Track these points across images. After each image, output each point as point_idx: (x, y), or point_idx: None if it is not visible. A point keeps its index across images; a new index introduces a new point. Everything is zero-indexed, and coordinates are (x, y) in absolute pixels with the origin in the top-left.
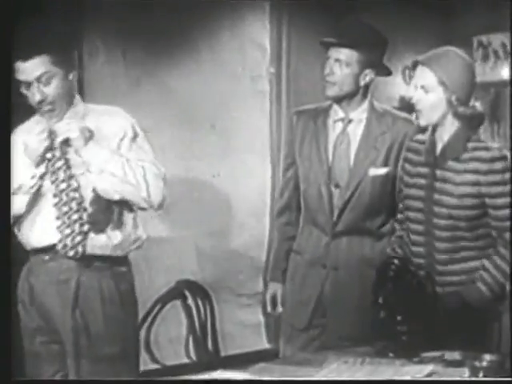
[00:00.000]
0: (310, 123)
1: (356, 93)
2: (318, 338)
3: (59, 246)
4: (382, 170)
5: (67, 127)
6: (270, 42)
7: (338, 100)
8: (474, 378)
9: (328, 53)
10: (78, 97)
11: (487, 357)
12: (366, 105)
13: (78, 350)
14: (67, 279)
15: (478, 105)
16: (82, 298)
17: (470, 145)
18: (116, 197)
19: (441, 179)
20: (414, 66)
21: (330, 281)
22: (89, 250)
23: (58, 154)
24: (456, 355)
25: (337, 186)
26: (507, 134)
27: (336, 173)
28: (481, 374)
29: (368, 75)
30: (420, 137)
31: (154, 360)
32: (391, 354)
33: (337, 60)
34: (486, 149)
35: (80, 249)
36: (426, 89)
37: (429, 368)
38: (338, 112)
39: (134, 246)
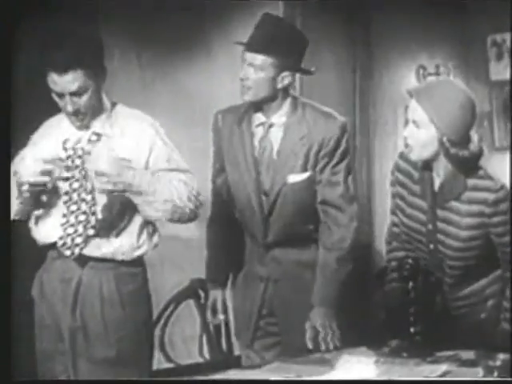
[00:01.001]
0: (235, 127)
1: (275, 96)
2: (274, 347)
3: (59, 243)
4: (302, 176)
5: (97, 163)
6: None
7: (258, 104)
8: (487, 378)
9: (243, 56)
10: (107, 103)
11: (501, 356)
12: (286, 108)
13: (75, 350)
14: (70, 278)
15: (476, 139)
16: (81, 298)
17: (470, 182)
18: (164, 217)
19: (442, 219)
20: (410, 95)
21: (274, 293)
22: (87, 253)
23: (79, 152)
24: (470, 354)
25: (266, 194)
26: None
27: (263, 180)
28: (495, 374)
29: (286, 78)
30: (409, 155)
31: (168, 359)
32: (405, 354)
33: (251, 64)
34: (489, 190)
35: (77, 250)
36: (417, 124)
37: (443, 368)
38: (259, 116)
39: (139, 253)
